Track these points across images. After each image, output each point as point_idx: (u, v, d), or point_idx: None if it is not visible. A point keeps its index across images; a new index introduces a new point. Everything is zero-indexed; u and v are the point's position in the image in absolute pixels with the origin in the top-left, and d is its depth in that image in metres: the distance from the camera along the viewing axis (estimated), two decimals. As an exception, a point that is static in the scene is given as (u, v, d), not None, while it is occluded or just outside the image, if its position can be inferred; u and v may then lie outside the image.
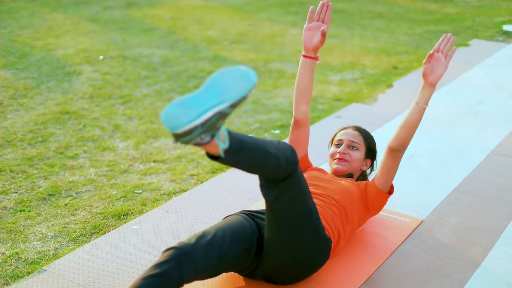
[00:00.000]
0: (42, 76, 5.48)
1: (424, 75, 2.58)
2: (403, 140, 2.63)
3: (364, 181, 2.86)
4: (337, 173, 2.92)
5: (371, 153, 2.96)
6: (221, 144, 1.98)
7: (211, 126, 1.89)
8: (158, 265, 2.17)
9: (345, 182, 2.79)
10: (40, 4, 8.55)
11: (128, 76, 5.61)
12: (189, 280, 2.22)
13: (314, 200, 2.58)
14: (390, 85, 5.44)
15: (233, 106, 1.91)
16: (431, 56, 2.57)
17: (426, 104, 2.58)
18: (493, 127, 4.41)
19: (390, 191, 2.82)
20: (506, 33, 7.53)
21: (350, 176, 2.92)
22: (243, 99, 1.92)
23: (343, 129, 3.00)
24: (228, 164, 2.11)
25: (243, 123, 4.53)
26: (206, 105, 1.87)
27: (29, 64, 5.82)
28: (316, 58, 2.79)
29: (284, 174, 2.21)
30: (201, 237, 2.27)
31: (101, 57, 6.11)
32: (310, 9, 2.77)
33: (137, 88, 5.29)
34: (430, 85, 2.57)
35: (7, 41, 6.65)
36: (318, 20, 2.77)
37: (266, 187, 2.28)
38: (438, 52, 2.59)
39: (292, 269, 2.46)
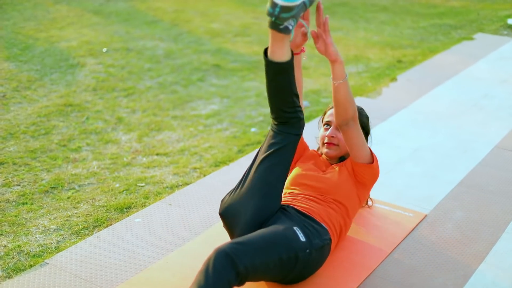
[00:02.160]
0: (45, 69, 5.47)
1: (324, 55, 2.55)
2: (343, 116, 2.59)
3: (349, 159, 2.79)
4: (328, 157, 2.87)
5: (362, 129, 2.75)
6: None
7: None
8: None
9: (336, 174, 2.73)
10: (44, -4, 8.54)
11: (132, 68, 5.59)
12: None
13: (312, 202, 2.64)
14: (394, 79, 5.41)
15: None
16: (315, 38, 2.53)
17: (342, 78, 2.55)
18: (498, 121, 4.39)
19: (372, 160, 2.72)
20: (511, 26, 7.49)
21: (342, 159, 2.86)
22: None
23: (331, 108, 2.87)
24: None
25: (246, 116, 4.52)
26: None
27: (32, 56, 5.81)
28: (300, 52, 2.69)
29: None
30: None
31: (104, 50, 6.10)
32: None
33: (140, 81, 5.28)
34: (333, 62, 2.53)
35: (10, 33, 6.64)
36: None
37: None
38: (318, 29, 2.52)
39: (296, 278, 2.47)
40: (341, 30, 7.34)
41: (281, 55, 2.28)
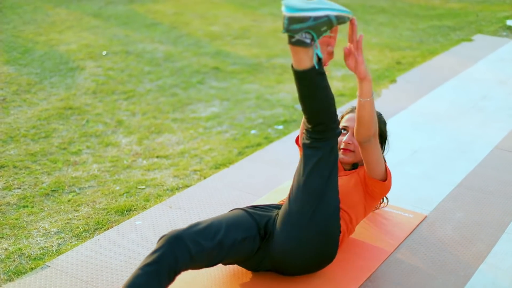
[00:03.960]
0: (45, 72, 5.48)
1: (353, 71, 2.50)
2: (365, 134, 2.53)
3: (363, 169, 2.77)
4: (342, 163, 2.85)
5: (379, 137, 2.70)
6: (318, 51, 2.23)
7: (318, 26, 2.18)
8: (152, 253, 2.21)
9: (346, 182, 2.72)
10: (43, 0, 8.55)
11: (131, 71, 5.60)
12: (185, 266, 2.24)
13: None
14: (393, 80, 5.42)
15: (338, 18, 2.24)
16: (347, 54, 2.50)
17: (369, 97, 2.48)
18: (497, 122, 4.40)
19: (386, 177, 2.70)
20: (510, 28, 7.51)
21: (355, 166, 2.84)
22: (345, 17, 2.27)
23: (350, 112, 2.89)
24: (304, 83, 2.28)
25: (246, 119, 4.53)
26: (320, 6, 2.19)
27: (32, 60, 5.82)
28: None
29: (331, 126, 2.32)
30: (195, 225, 2.33)
31: (104, 53, 6.11)
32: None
33: (140, 84, 5.29)
34: (362, 80, 2.47)
35: (10, 36, 6.65)
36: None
37: (313, 143, 2.35)
38: (350, 45, 2.51)
39: (304, 256, 2.43)
40: (340, 32, 7.34)
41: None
